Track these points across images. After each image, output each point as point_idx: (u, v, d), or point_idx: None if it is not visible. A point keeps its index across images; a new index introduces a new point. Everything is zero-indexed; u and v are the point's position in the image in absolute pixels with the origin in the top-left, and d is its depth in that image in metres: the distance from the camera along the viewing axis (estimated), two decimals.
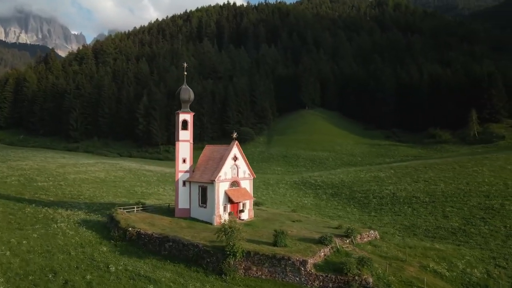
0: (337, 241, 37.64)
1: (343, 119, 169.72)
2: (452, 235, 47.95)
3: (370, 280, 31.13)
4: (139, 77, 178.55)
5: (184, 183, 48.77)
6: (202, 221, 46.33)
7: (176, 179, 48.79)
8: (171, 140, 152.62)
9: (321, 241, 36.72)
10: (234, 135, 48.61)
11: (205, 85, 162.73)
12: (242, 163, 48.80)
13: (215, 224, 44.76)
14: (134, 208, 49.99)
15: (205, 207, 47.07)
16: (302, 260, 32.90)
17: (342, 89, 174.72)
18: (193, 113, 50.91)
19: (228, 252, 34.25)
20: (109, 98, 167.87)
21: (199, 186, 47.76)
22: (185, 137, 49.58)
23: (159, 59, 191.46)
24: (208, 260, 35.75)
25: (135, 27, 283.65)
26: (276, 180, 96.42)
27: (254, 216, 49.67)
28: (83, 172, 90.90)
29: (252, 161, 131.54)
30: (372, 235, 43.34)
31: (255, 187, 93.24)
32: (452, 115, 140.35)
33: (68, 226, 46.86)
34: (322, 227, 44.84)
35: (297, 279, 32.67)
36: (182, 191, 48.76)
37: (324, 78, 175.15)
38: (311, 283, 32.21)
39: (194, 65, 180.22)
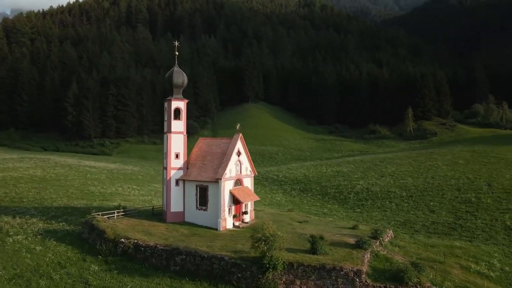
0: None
1: (286, 114, 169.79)
2: (453, 230, 47.96)
3: None
4: (65, 61, 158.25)
5: (177, 182, 41.60)
6: (202, 226, 39.82)
7: (167, 178, 41.32)
8: (106, 132, 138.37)
9: (359, 246, 33.05)
10: (238, 126, 42.82)
11: (144, 74, 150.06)
12: (244, 158, 43.22)
13: (220, 230, 38.71)
14: (114, 213, 41.36)
15: (205, 210, 40.57)
16: (356, 269, 28.85)
17: (284, 84, 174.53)
18: (187, 100, 43.81)
19: (267, 265, 28.85)
20: (28, 84, 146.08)
21: (197, 186, 41.03)
22: (178, 128, 42.31)
23: (87, 43, 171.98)
24: (240, 276, 29.87)
25: (51, 6, 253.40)
26: None
27: (254, 217, 44.47)
28: (12, 169, 76.49)
29: None
30: (389, 234, 41.05)
31: None
32: (389, 112, 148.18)
33: (29, 239, 36.93)
34: (337, 228, 41.35)
35: None
36: (175, 192, 41.53)
37: (267, 72, 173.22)
38: None
39: (129, 52, 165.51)
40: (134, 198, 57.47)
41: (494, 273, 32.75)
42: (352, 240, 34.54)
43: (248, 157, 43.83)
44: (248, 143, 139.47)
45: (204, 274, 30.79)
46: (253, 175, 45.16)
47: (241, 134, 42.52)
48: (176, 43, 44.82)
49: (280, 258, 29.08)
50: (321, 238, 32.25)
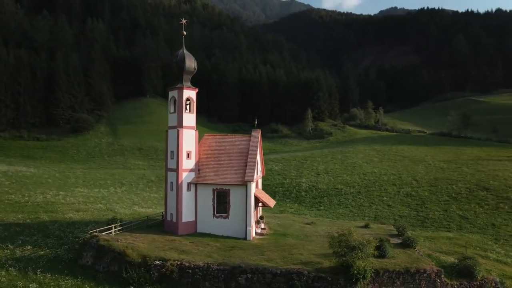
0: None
1: None
2: (423, 222, 52.36)
3: (497, 279, 30.03)
4: None
5: (188, 186, 34.84)
6: (223, 237, 34.26)
7: (179, 181, 34.20)
8: None
9: (408, 245, 33.03)
10: (256, 121, 38.41)
11: (20, 55, 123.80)
12: (259, 158, 38.95)
13: (250, 239, 33.97)
14: (111, 228, 32.16)
15: (225, 218, 34.99)
16: (437, 270, 28.60)
17: None
18: (197, 89, 37.21)
19: (357, 275, 26.27)
20: None
21: (214, 190, 35.13)
22: (190, 122, 35.59)
23: None
24: None
25: None
26: (158, 176, 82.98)
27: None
28: None
29: (102, 154, 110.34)
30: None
31: (148, 186, 78.56)
32: (288, 112, 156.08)
33: (2, 274, 26.09)
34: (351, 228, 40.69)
35: None
36: (187, 198, 34.73)
37: (165, 66, 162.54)
38: None
39: None
40: (84, 207, 46.19)
41: (509, 259, 36.69)
42: (396, 240, 34.33)
43: (261, 155, 39.76)
44: (153, 140, 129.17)
45: None
46: (261, 175, 41.18)
47: (260, 131, 38.18)
48: (183, 21, 37.70)
49: (368, 266, 26.87)
50: (388, 241, 31.09)
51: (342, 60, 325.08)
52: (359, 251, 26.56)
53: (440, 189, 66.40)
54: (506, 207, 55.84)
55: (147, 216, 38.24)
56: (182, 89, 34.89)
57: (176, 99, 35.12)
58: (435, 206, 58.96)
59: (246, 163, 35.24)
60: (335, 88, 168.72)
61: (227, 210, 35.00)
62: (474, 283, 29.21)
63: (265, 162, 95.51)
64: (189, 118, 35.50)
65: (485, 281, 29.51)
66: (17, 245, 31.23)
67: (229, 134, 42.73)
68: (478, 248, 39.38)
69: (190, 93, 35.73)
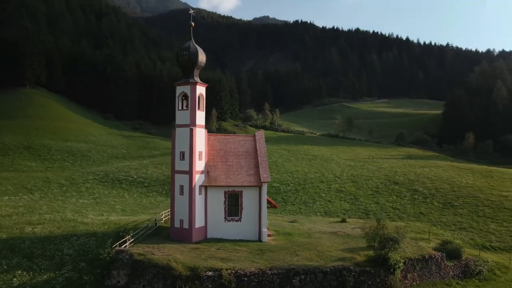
0: None
1: (75, 105, 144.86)
2: (369, 215, 58.33)
3: (475, 258, 36.02)
4: None
5: (200, 189, 32.34)
6: (235, 240, 32.90)
7: (193, 184, 31.42)
8: None
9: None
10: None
11: None
12: None
13: (265, 241, 33.44)
14: (126, 241, 27.67)
15: (237, 220, 33.62)
16: (441, 255, 33.00)
17: (71, 70, 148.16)
18: (207, 85, 34.58)
19: (395, 265, 28.67)
20: None
21: (225, 193, 33.40)
22: (201, 120, 32.94)
23: None
24: (370, 283, 28.03)
25: None
26: (68, 179, 73.90)
27: None
28: None
29: None
30: None
31: (64, 190, 69.34)
32: None
33: None
34: (335, 223, 43.47)
35: (438, 274, 32.47)
36: (199, 202, 32.19)
37: (48, 52, 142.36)
38: (448, 275, 33.10)
39: None
40: (35, 220, 38.12)
41: (460, 240, 44.01)
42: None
43: None
44: (44, 138, 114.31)
45: None
46: None
47: (263, 131, 37.64)
48: (192, 11, 34.48)
49: (401, 257, 29.56)
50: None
51: (226, 61, 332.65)
52: (396, 244, 29.00)
53: (362, 185, 74.66)
54: (421, 197, 66.26)
55: (147, 224, 34.03)
56: (196, 85, 32.21)
57: (189, 95, 32.18)
58: (366, 199, 66.27)
59: (255, 164, 34.52)
60: (235, 88, 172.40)
61: (240, 212, 33.77)
62: (462, 262, 34.70)
63: None
64: (201, 116, 32.99)
65: (468, 260, 35.27)
66: (2, 270, 24.67)
67: (231, 134, 40.78)
68: (431, 234, 46.30)
69: (201, 90, 33.19)
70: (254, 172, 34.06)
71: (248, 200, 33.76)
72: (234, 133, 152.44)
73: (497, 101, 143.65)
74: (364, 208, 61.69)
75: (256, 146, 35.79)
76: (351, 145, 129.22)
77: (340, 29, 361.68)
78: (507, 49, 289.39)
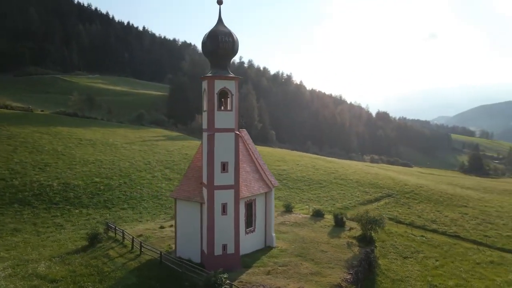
0: None
1: None
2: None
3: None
4: None
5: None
6: (252, 253, 30.18)
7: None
8: None
9: (322, 214, 44.36)
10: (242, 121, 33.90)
11: None
12: None
13: (275, 245, 32.41)
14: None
15: (252, 231, 30.57)
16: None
17: None
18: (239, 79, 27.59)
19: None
20: None
21: (245, 204, 29.52)
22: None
23: None
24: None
25: None
26: None
27: None
28: None
29: None
30: None
31: None
32: None
33: None
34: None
35: None
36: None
37: None
38: None
39: None
40: None
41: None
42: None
43: None
44: None
45: None
46: None
47: (245, 130, 34.34)
48: None
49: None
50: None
51: None
52: (375, 223, 36.68)
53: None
54: None
55: (160, 252, 24.64)
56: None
57: (233, 92, 25.75)
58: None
59: (256, 168, 32.28)
60: None
61: (253, 222, 30.98)
62: None
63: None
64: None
65: None
66: None
67: None
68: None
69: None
70: (259, 177, 31.94)
71: (260, 208, 31.49)
72: None
73: None
74: None
75: (246, 147, 33.01)
76: (104, 126, 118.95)
77: None
78: (188, 41, 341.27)
